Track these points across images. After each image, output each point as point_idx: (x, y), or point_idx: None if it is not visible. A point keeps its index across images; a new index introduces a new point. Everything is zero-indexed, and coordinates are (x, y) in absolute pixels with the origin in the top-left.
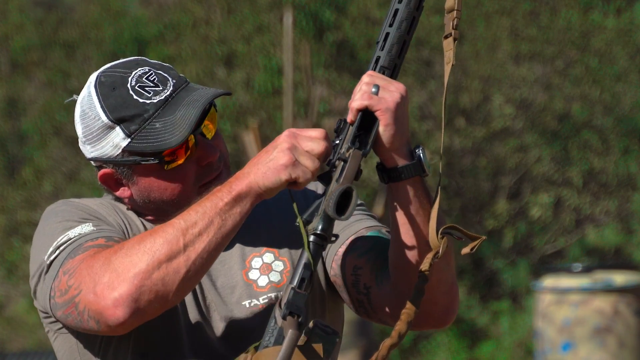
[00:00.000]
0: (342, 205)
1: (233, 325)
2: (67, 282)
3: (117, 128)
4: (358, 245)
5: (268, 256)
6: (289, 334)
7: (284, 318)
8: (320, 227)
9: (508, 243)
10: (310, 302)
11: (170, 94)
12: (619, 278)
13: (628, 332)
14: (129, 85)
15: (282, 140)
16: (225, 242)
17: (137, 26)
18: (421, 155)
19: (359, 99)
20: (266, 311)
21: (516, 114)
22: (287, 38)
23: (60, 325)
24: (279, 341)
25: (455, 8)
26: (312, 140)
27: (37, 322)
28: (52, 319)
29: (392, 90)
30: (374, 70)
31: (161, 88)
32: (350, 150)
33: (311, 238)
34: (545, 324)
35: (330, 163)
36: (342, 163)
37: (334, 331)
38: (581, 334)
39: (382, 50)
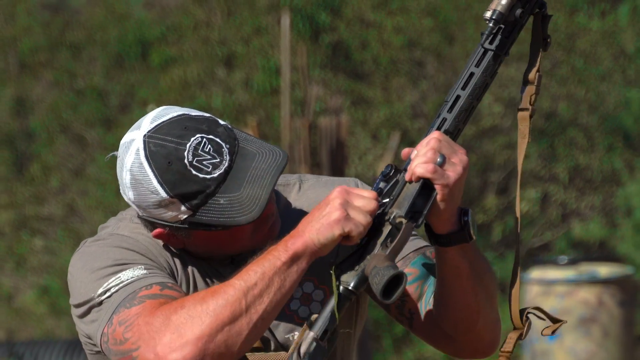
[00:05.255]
0: (390, 288)
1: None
2: (124, 334)
3: (179, 203)
4: (407, 272)
5: (307, 285)
6: None
7: None
8: (353, 284)
9: (497, 236)
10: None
11: (229, 165)
12: (603, 270)
13: (612, 322)
14: (186, 161)
15: (335, 197)
16: (284, 301)
17: (141, 28)
18: (469, 221)
19: (423, 168)
20: None
21: (504, 112)
22: (284, 40)
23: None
24: None
25: (535, 83)
26: (363, 198)
27: (45, 312)
28: (97, 348)
29: (456, 164)
30: (439, 129)
31: (218, 160)
32: (404, 221)
33: (341, 289)
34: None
35: (377, 218)
36: (390, 227)
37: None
38: (567, 323)
39: (450, 112)
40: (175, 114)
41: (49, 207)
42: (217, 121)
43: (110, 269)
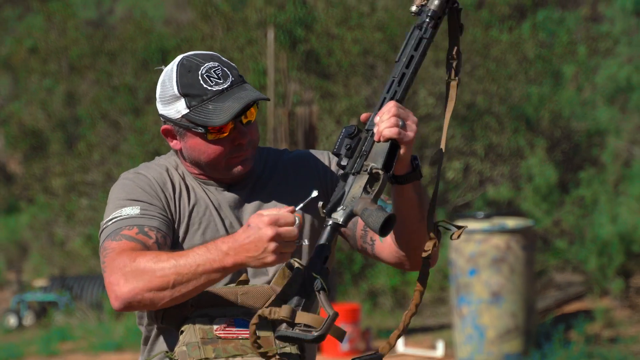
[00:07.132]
0: (384, 226)
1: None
2: (104, 257)
3: (182, 99)
4: None
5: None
6: (331, 315)
7: (318, 291)
8: (342, 220)
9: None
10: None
11: (227, 87)
12: (511, 222)
13: (517, 262)
14: (199, 73)
15: (267, 239)
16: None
17: (161, 40)
18: (418, 164)
19: (391, 132)
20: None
21: (436, 103)
22: (270, 48)
23: None
24: (307, 305)
25: (457, 60)
26: (290, 231)
27: (89, 254)
28: None
29: (411, 125)
30: (393, 99)
31: (222, 81)
32: (381, 172)
33: (330, 222)
34: (457, 256)
35: (346, 168)
36: (368, 176)
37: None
38: (483, 263)
39: (399, 86)
40: (213, 52)
41: (92, 175)
42: (237, 70)
43: (122, 202)
